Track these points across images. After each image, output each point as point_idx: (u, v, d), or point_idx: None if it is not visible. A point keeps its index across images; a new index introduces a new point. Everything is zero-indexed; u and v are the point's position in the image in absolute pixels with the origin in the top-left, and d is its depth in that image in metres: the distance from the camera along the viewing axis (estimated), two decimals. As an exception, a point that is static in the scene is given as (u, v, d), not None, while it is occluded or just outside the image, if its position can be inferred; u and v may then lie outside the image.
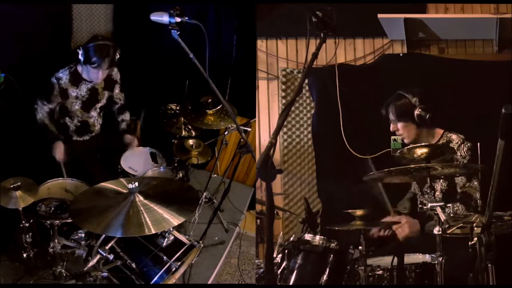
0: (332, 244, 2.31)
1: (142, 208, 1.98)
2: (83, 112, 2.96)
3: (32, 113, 2.84)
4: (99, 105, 3.04)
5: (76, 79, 2.81)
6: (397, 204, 2.73)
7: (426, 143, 2.50)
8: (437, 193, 2.53)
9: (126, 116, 3.19)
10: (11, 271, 2.52)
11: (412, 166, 2.07)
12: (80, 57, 2.67)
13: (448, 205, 2.01)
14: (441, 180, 2.48)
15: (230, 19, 3.40)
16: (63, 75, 2.77)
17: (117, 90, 3.09)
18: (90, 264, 2.09)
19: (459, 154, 2.43)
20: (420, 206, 2.22)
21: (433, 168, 2.07)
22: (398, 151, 2.25)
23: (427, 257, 2.12)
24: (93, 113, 3.04)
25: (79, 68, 2.80)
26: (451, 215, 2.04)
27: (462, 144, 2.44)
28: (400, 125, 2.55)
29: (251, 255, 3.44)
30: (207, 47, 1.81)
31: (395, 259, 2.09)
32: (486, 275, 1.60)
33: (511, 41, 3.29)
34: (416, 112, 2.48)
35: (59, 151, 2.86)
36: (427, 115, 2.43)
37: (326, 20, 1.76)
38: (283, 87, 3.54)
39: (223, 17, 3.39)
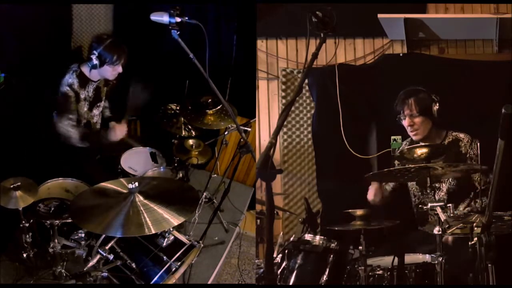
0: (332, 244, 2.31)
1: (142, 208, 1.98)
2: (88, 112, 2.98)
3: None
4: (102, 103, 3.07)
5: (84, 81, 2.84)
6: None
7: (431, 143, 2.52)
8: (442, 193, 2.53)
9: (106, 102, 3.20)
10: (11, 271, 2.52)
11: (412, 166, 2.07)
12: (95, 62, 2.69)
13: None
14: (450, 179, 2.48)
15: (230, 19, 3.40)
16: (73, 80, 2.78)
17: (108, 84, 3.12)
18: (90, 264, 2.09)
19: (472, 152, 2.44)
20: (420, 206, 2.22)
21: (433, 168, 2.07)
22: (398, 151, 2.25)
23: (427, 257, 2.13)
24: (95, 111, 3.06)
25: (85, 70, 2.81)
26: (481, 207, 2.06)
27: (472, 142, 2.45)
28: (419, 119, 2.52)
29: (251, 255, 3.44)
30: (207, 47, 1.81)
31: (395, 259, 2.09)
32: (486, 275, 1.60)
33: (511, 41, 3.29)
34: (436, 107, 2.48)
35: (119, 130, 2.87)
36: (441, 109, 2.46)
37: (326, 20, 1.76)
38: (283, 87, 3.54)
39: (223, 17, 3.39)
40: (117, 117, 3.16)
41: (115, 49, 2.73)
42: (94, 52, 2.69)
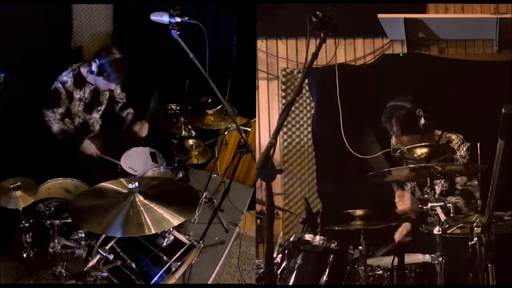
0: (332, 244, 2.31)
1: (142, 208, 1.98)
2: (85, 114, 2.98)
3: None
4: (102, 107, 3.06)
5: (80, 82, 2.83)
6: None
7: (431, 143, 2.51)
8: (437, 194, 2.52)
9: (130, 110, 3.22)
10: (11, 271, 2.52)
11: (412, 166, 2.07)
12: (94, 69, 2.68)
13: (447, 199, 2.01)
14: (442, 181, 2.48)
15: (230, 19, 3.40)
16: (68, 78, 2.78)
17: (118, 90, 3.12)
18: (90, 264, 2.09)
19: (459, 154, 2.41)
20: (420, 206, 2.22)
21: (433, 168, 2.07)
22: (398, 151, 2.24)
23: (427, 257, 2.13)
24: (95, 115, 3.05)
25: (83, 71, 2.80)
26: (450, 209, 2.04)
27: (462, 144, 2.43)
28: (406, 138, 2.42)
29: (251, 255, 3.44)
30: (207, 47, 1.81)
31: (395, 259, 2.09)
32: (486, 275, 1.60)
33: (511, 41, 3.29)
34: (422, 122, 2.34)
35: (92, 148, 2.90)
36: (428, 122, 2.34)
37: (326, 20, 1.75)
38: (283, 87, 3.54)
39: (223, 17, 3.39)
40: (139, 118, 3.18)
41: (117, 68, 2.69)
42: (97, 60, 2.66)
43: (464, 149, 2.41)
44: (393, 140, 2.50)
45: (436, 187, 2.51)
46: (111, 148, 3.10)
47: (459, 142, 2.44)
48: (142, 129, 3.12)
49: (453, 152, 2.36)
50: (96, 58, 2.68)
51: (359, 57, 3.52)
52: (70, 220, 2.31)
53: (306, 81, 3.45)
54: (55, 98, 2.79)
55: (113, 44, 2.88)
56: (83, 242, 2.46)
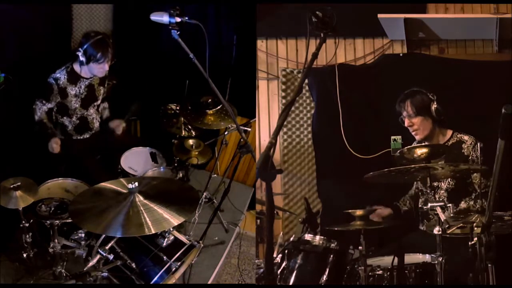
0: (332, 244, 2.31)
1: (142, 208, 1.98)
2: (82, 110, 2.99)
3: (31, 113, 2.84)
4: (98, 102, 3.07)
5: (74, 78, 2.85)
6: (399, 200, 2.74)
7: (432, 143, 2.53)
8: (442, 191, 2.53)
9: (105, 104, 3.22)
10: (11, 271, 2.52)
11: (412, 166, 2.07)
12: (82, 58, 2.70)
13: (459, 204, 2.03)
14: (448, 179, 2.49)
15: (230, 19, 3.40)
16: (61, 75, 2.81)
17: (105, 84, 3.12)
18: (90, 264, 2.09)
19: (474, 154, 2.44)
20: (420, 205, 2.23)
21: (433, 168, 2.07)
22: (398, 151, 2.25)
23: (427, 257, 2.13)
24: (92, 110, 3.06)
25: (76, 67, 2.83)
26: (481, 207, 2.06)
27: (476, 145, 2.46)
28: (417, 119, 2.54)
29: (251, 255, 3.44)
30: (207, 47, 1.81)
31: (395, 259, 2.10)
32: (486, 275, 1.60)
33: (511, 41, 3.29)
34: (434, 106, 2.50)
35: (55, 145, 2.84)
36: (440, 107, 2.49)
37: (326, 20, 1.75)
38: (283, 87, 3.54)
39: (223, 17, 3.39)
40: (117, 117, 3.17)
41: (100, 47, 2.72)
42: (80, 49, 2.70)
43: (478, 150, 2.43)
44: (406, 123, 2.60)
45: (443, 183, 2.52)
46: (111, 148, 3.10)
47: (472, 142, 2.48)
48: (119, 127, 3.12)
49: (456, 153, 2.38)
50: (79, 47, 2.71)
51: (359, 57, 3.52)
52: (70, 220, 2.31)
53: (306, 81, 3.45)
54: (47, 91, 2.82)
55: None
56: (83, 242, 2.46)
